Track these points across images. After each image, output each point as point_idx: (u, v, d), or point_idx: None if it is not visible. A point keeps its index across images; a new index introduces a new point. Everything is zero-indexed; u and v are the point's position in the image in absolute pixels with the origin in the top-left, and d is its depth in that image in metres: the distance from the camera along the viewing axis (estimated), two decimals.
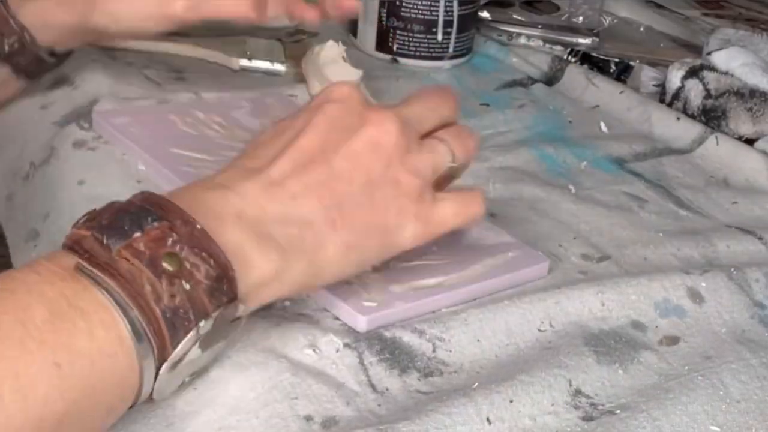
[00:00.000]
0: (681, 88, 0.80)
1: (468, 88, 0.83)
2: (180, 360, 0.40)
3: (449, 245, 0.56)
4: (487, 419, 0.45)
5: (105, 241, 0.39)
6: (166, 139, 0.62)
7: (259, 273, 0.43)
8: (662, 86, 0.83)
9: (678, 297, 0.55)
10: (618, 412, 0.47)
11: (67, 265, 0.38)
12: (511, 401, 0.46)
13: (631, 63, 0.88)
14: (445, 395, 0.45)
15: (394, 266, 0.53)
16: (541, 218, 0.63)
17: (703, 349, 0.53)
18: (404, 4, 0.83)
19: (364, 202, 0.46)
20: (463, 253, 0.55)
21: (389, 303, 0.50)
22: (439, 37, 0.85)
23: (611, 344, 0.51)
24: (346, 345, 0.48)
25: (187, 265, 0.39)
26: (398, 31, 0.85)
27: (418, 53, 0.85)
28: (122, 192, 0.57)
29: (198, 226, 0.40)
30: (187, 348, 0.40)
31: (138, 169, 0.60)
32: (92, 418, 0.38)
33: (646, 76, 0.86)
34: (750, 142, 0.76)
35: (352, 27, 0.88)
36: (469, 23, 0.86)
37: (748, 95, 0.77)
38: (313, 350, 0.47)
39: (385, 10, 0.84)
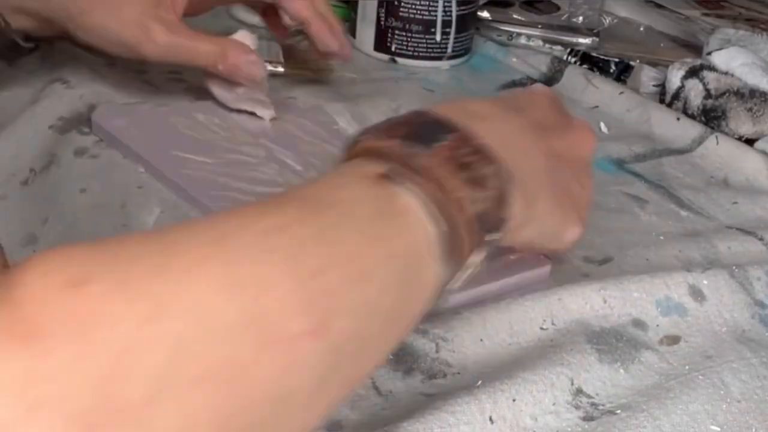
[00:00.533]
0: (681, 88, 0.80)
1: (467, 88, 0.83)
2: (467, 271, 0.39)
3: None
4: (490, 418, 0.45)
5: (410, 150, 0.38)
6: (166, 141, 0.62)
7: (515, 205, 0.42)
8: (662, 86, 0.83)
9: (680, 295, 0.55)
10: (618, 412, 0.47)
11: (375, 172, 0.37)
12: (513, 400, 0.46)
13: (631, 63, 0.88)
14: (449, 394, 0.45)
15: None
16: None
17: (704, 348, 0.53)
18: (403, 4, 0.83)
19: (564, 185, 0.48)
20: None
21: None
22: (438, 37, 0.84)
23: (612, 342, 0.51)
24: None
25: (485, 176, 0.39)
26: (397, 31, 0.84)
27: (416, 53, 0.85)
28: (125, 199, 0.57)
29: (482, 141, 0.40)
30: (479, 259, 0.39)
31: (139, 174, 0.60)
32: (408, 318, 0.37)
33: (646, 76, 0.86)
34: (750, 142, 0.76)
35: (351, 27, 0.88)
36: (467, 23, 0.86)
37: (748, 95, 0.77)
38: None
39: (383, 10, 0.84)
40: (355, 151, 0.39)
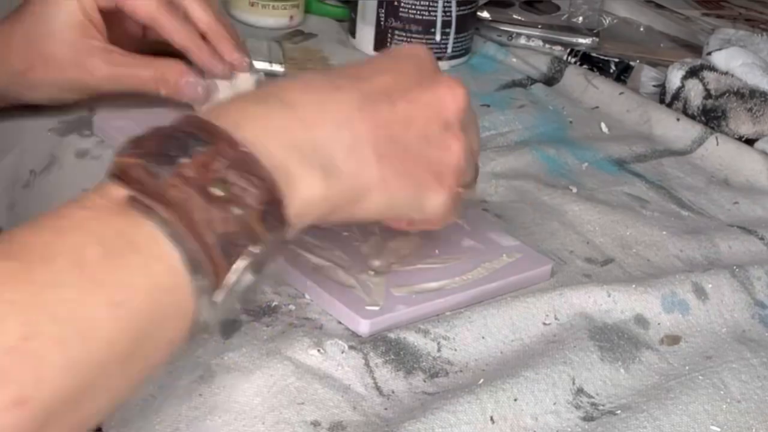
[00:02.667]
0: (681, 88, 0.80)
1: (467, 88, 0.83)
2: (233, 288, 0.38)
3: (451, 248, 0.56)
4: (491, 418, 0.45)
5: (153, 169, 0.37)
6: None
7: (305, 194, 0.41)
8: (662, 86, 0.83)
9: (684, 291, 0.55)
10: (618, 412, 0.47)
11: (117, 197, 0.37)
12: (515, 400, 0.46)
13: (631, 63, 0.88)
14: (451, 393, 0.45)
15: (396, 270, 0.53)
16: (544, 220, 0.63)
17: (704, 349, 0.53)
18: (402, 4, 0.83)
19: (413, 151, 0.46)
20: (465, 256, 0.55)
21: (391, 307, 0.50)
22: (438, 37, 0.84)
23: (614, 340, 0.51)
24: (351, 347, 0.48)
25: (237, 191, 0.38)
26: (396, 32, 0.84)
27: None
28: None
29: (244, 149, 0.39)
30: (241, 274, 0.38)
31: None
32: (155, 353, 0.37)
33: (646, 76, 0.86)
34: (750, 142, 0.76)
35: (351, 27, 0.88)
36: (467, 24, 0.86)
37: (749, 95, 0.77)
38: (318, 351, 0.47)
39: (383, 11, 0.84)
40: (111, 168, 0.39)
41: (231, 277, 0.38)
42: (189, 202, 0.37)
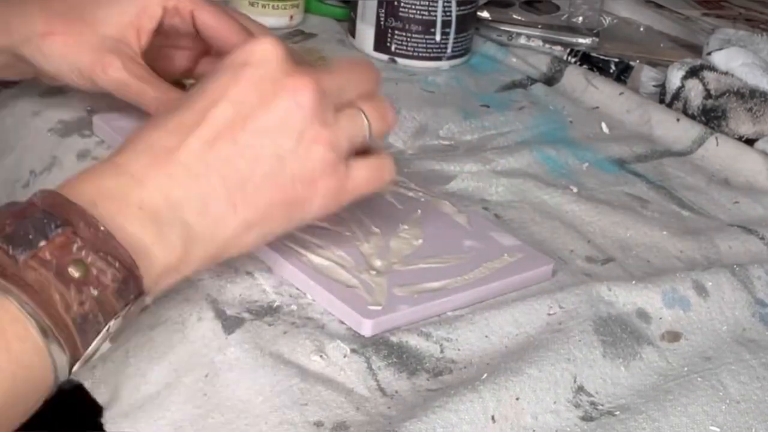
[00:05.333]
0: (681, 88, 0.80)
1: (467, 88, 0.83)
2: (91, 357, 0.40)
3: (452, 248, 0.56)
4: (492, 417, 0.45)
5: (11, 252, 0.38)
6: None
7: (162, 264, 0.43)
8: (662, 86, 0.83)
9: (685, 288, 0.55)
10: (617, 413, 0.47)
11: None
12: (517, 399, 0.46)
13: (631, 63, 0.88)
14: (454, 390, 0.45)
15: (397, 270, 0.53)
16: (545, 220, 0.63)
17: (703, 349, 0.53)
18: (402, 4, 0.83)
19: (269, 180, 0.45)
20: (467, 256, 0.55)
21: (394, 307, 0.50)
22: (438, 37, 0.85)
23: (618, 333, 0.51)
24: (353, 350, 0.48)
25: (94, 271, 0.39)
26: (396, 32, 0.85)
27: (416, 53, 0.85)
28: None
29: (101, 228, 0.40)
30: (98, 346, 0.40)
31: None
32: (11, 422, 0.39)
33: (646, 76, 0.87)
34: (750, 142, 0.77)
35: (351, 27, 0.88)
36: (467, 23, 0.86)
37: (749, 95, 0.77)
38: (321, 356, 0.47)
39: (383, 11, 0.84)
40: None
41: (89, 351, 0.40)
42: (45, 283, 0.38)
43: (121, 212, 0.42)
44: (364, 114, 0.49)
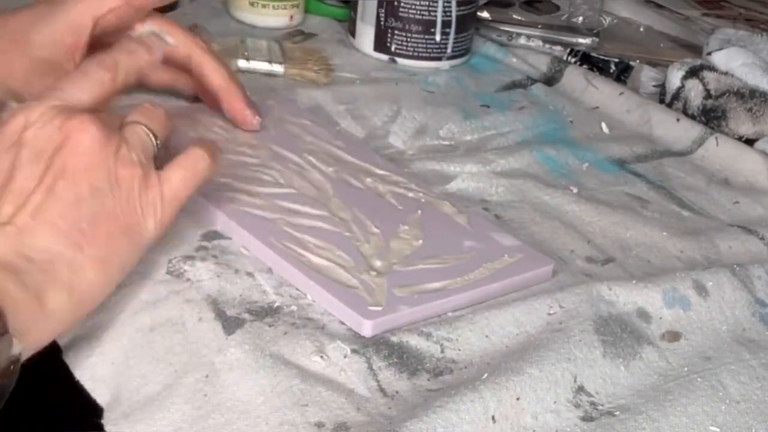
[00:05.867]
0: (681, 88, 0.81)
1: (467, 88, 0.83)
2: None
3: (452, 248, 0.56)
4: (493, 417, 0.45)
5: None
6: (168, 142, 0.62)
7: (26, 307, 0.42)
8: (662, 86, 0.83)
9: (685, 287, 0.55)
10: (617, 413, 0.47)
11: None
12: (518, 399, 0.46)
13: (631, 63, 0.88)
14: (455, 390, 0.45)
15: (397, 270, 0.53)
16: (545, 220, 0.63)
17: (703, 349, 0.53)
18: (402, 4, 0.83)
19: (99, 213, 0.46)
20: (467, 257, 0.55)
21: (394, 307, 0.50)
22: (438, 37, 0.85)
23: (618, 332, 0.51)
24: (353, 351, 0.48)
25: None
26: (396, 32, 0.85)
27: (416, 54, 0.85)
28: None
29: None
30: None
31: None
32: None
33: (646, 76, 0.87)
34: (750, 142, 0.77)
35: (351, 27, 0.88)
36: (467, 24, 0.86)
37: (748, 95, 0.77)
38: (321, 357, 0.47)
39: (383, 10, 0.84)
40: None
41: None
42: None
43: None
44: (140, 123, 0.50)
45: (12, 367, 0.41)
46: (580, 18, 0.97)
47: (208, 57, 0.64)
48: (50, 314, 0.44)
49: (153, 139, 0.50)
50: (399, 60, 0.85)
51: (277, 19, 0.89)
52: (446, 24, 0.84)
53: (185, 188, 0.50)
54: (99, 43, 0.63)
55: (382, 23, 0.85)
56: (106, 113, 0.50)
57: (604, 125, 0.79)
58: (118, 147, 0.48)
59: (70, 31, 0.61)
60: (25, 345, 0.42)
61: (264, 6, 0.88)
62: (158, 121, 0.51)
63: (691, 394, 0.49)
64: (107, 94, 0.51)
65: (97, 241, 0.46)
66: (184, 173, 0.50)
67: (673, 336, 0.53)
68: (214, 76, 0.64)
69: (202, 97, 0.68)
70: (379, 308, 0.50)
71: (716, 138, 0.76)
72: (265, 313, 0.50)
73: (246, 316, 0.49)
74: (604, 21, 1.01)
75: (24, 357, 0.42)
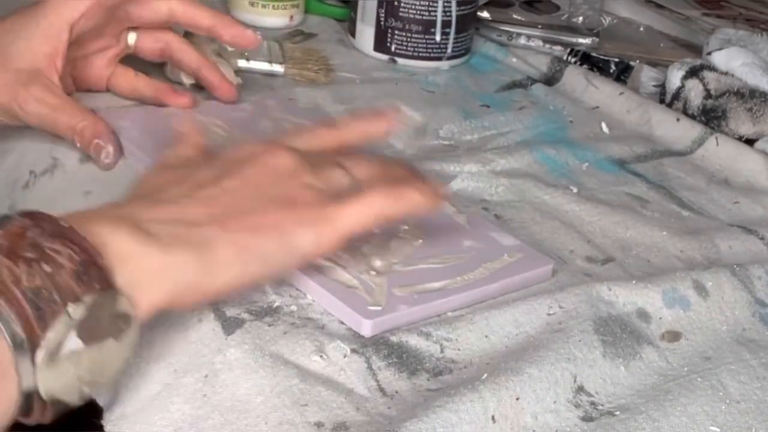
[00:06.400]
0: (681, 88, 0.81)
1: (467, 88, 0.83)
2: (57, 350, 0.38)
3: (452, 248, 0.56)
4: (492, 417, 0.45)
5: None
6: (168, 142, 0.62)
7: (139, 265, 0.42)
8: (662, 86, 0.84)
9: (685, 287, 0.55)
10: (617, 413, 0.47)
11: None
12: (517, 399, 0.46)
13: (631, 63, 0.88)
14: (454, 390, 0.45)
15: (397, 270, 0.53)
16: (545, 220, 0.63)
17: (703, 349, 0.53)
18: (402, 4, 0.83)
19: (256, 207, 0.47)
20: (467, 256, 0.55)
21: (394, 307, 0.50)
22: (438, 37, 0.85)
23: (617, 333, 0.51)
24: (353, 351, 0.48)
25: (48, 251, 0.38)
26: (396, 32, 0.85)
27: (416, 54, 0.85)
28: None
29: (64, 224, 0.40)
30: (61, 334, 0.38)
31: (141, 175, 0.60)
32: None
33: (646, 76, 0.87)
34: (750, 142, 0.77)
35: (351, 27, 0.88)
36: (467, 23, 0.86)
37: (749, 95, 0.77)
38: (321, 356, 0.47)
39: (383, 11, 0.84)
40: None
41: (50, 336, 0.37)
42: None
43: (95, 220, 0.42)
44: (341, 163, 0.51)
45: (124, 325, 0.40)
46: (580, 18, 0.98)
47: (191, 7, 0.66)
48: (170, 275, 0.43)
49: (347, 178, 0.51)
50: (399, 60, 0.85)
51: (277, 19, 0.89)
52: (446, 24, 0.84)
53: (357, 225, 0.50)
54: (77, 43, 0.64)
55: (382, 23, 0.85)
56: None
57: (604, 125, 0.79)
58: (301, 171, 0.49)
59: (47, 40, 0.62)
60: (142, 303, 0.41)
61: (264, 6, 0.88)
62: (364, 167, 0.52)
63: (691, 394, 0.49)
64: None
65: (244, 226, 0.46)
66: (360, 207, 0.50)
67: (673, 336, 0.53)
68: (202, 17, 0.66)
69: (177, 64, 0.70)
70: (379, 308, 0.50)
71: (716, 138, 0.76)
72: (265, 312, 0.50)
73: (245, 315, 0.49)
74: (604, 21, 1.01)
75: (139, 317, 0.41)
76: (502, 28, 0.94)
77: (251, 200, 0.47)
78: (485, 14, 0.94)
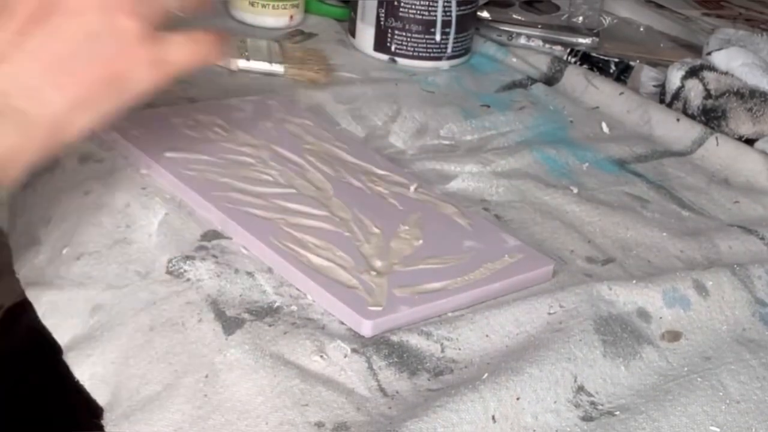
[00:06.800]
0: (681, 88, 0.81)
1: (467, 88, 0.83)
2: None
3: (453, 249, 0.56)
4: (493, 417, 0.45)
5: None
6: (168, 142, 0.62)
7: (3, 147, 0.42)
8: (662, 86, 0.84)
9: (685, 287, 0.55)
10: (617, 413, 0.47)
11: None
12: (518, 399, 0.46)
13: (631, 63, 0.88)
14: (455, 390, 0.45)
15: (397, 270, 0.53)
16: (545, 220, 0.63)
17: (703, 349, 0.53)
18: (402, 4, 0.83)
19: (86, 57, 0.46)
20: (468, 257, 0.55)
21: (394, 307, 0.50)
22: (438, 37, 0.85)
23: (618, 332, 0.51)
24: (353, 350, 0.48)
25: None
26: (396, 32, 0.85)
27: (416, 53, 0.85)
28: (129, 200, 0.57)
29: None
30: None
31: (143, 176, 0.60)
32: None
33: (646, 76, 0.87)
34: (750, 142, 0.77)
35: (351, 27, 0.88)
36: (467, 23, 0.86)
37: (748, 95, 0.77)
38: (321, 357, 0.47)
39: (383, 11, 0.84)
40: None
41: None
42: None
43: None
44: None
45: None
46: (580, 18, 0.98)
47: None
48: (24, 150, 0.44)
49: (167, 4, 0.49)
50: (399, 60, 0.85)
51: (277, 19, 0.89)
52: (446, 24, 0.84)
53: (185, 58, 0.49)
54: None
55: (382, 23, 0.85)
56: None
57: (604, 125, 0.79)
58: None
59: None
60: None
61: (264, 6, 0.88)
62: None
63: (691, 394, 0.49)
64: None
65: (78, 83, 0.46)
66: (188, 44, 0.49)
67: (673, 336, 0.53)
68: None
69: None
70: (379, 308, 0.50)
71: (716, 138, 0.76)
72: (265, 313, 0.50)
73: (246, 316, 0.49)
74: (604, 21, 1.01)
75: None
76: (502, 28, 0.94)
77: (81, 44, 0.46)
78: (485, 14, 0.94)
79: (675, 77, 0.81)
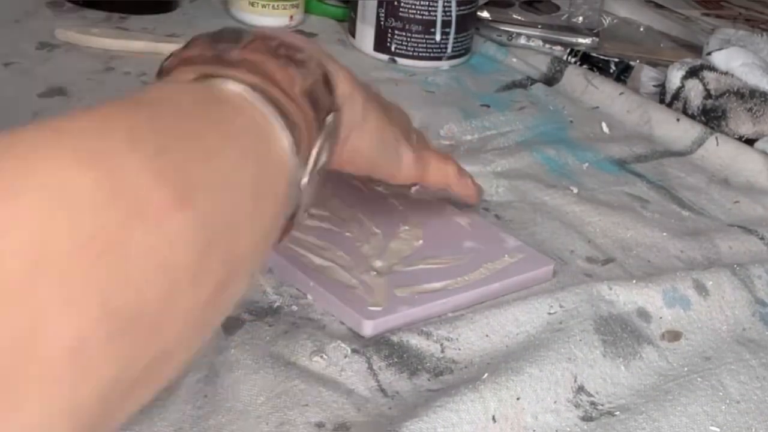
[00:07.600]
0: (681, 88, 0.81)
1: (467, 88, 0.83)
2: (317, 160, 0.38)
3: (453, 249, 0.56)
4: (493, 417, 0.45)
5: (220, 46, 0.37)
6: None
7: (340, 88, 0.42)
8: (662, 86, 0.83)
9: (685, 287, 0.55)
10: (617, 413, 0.47)
11: (190, 77, 0.37)
12: (518, 398, 0.46)
13: (631, 63, 0.88)
14: (455, 390, 0.45)
15: (398, 270, 0.53)
16: (545, 220, 0.63)
17: (703, 349, 0.53)
18: (402, 4, 0.83)
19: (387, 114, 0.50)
20: (468, 257, 0.55)
21: (394, 307, 0.50)
22: (438, 37, 0.85)
23: (618, 332, 0.51)
24: (354, 351, 0.48)
25: (299, 56, 0.38)
26: (396, 31, 0.85)
27: (416, 53, 0.85)
28: None
29: (285, 37, 0.40)
30: (323, 141, 0.38)
31: None
32: (275, 193, 0.36)
33: (646, 76, 0.87)
34: (750, 142, 0.77)
35: (351, 27, 0.88)
36: (467, 23, 0.86)
37: (748, 95, 0.77)
38: (321, 357, 0.47)
39: (383, 11, 0.84)
40: (166, 70, 0.38)
41: (319, 142, 0.38)
42: (265, 63, 0.37)
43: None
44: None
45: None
46: (580, 18, 0.97)
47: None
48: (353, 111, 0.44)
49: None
50: (399, 60, 0.85)
51: (277, 19, 0.89)
52: (446, 24, 0.84)
53: (432, 174, 0.55)
54: None
55: (382, 23, 0.85)
56: None
57: (604, 125, 0.79)
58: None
59: None
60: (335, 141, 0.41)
61: (264, 6, 0.88)
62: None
63: (691, 394, 0.49)
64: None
65: (378, 112, 0.49)
66: (438, 163, 0.55)
67: (673, 336, 0.53)
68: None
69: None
70: (379, 308, 0.50)
71: (716, 138, 0.76)
72: (265, 313, 0.50)
73: (246, 316, 0.49)
74: (604, 21, 1.01)
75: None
76: (502, 28, 0.93)
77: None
78: (485, 14, 0.94)
79: (675, 77, 0.81)
